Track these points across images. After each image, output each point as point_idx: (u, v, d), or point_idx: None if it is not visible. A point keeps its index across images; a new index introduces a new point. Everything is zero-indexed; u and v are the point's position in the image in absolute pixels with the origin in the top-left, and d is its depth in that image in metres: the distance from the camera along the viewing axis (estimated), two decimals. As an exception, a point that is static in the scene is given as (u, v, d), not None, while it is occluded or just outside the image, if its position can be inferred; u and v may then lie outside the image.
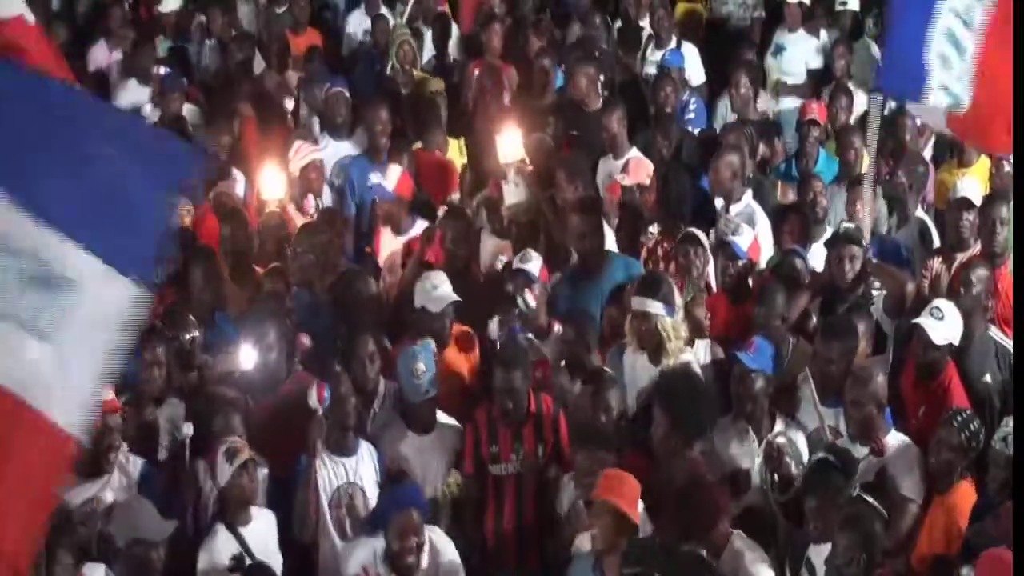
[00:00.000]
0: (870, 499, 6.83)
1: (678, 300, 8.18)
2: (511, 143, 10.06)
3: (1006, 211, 8.87)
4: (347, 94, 11.82)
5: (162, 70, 12.82)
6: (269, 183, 10.49)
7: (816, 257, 9.54)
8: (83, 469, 7.58)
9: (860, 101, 12.13)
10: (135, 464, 7.76)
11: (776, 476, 7.51)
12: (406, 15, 13.88)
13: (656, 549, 6.79)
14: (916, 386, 8.17)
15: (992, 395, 8.15)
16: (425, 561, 7.37)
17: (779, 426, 7.87)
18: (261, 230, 10.24)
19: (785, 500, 7.44)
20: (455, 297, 8.69)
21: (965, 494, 7.29)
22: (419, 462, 8.09)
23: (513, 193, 9.92)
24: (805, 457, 7.73)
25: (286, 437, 8.04)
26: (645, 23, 13.53)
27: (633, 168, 10.60)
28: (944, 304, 8.18)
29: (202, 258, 9.43)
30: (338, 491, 7.90)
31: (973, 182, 10.12)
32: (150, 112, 12.32)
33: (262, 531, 7.57)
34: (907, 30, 7.78)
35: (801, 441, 7.86)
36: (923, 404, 8.07)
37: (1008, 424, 7.17)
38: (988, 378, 8.22)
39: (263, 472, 7.73)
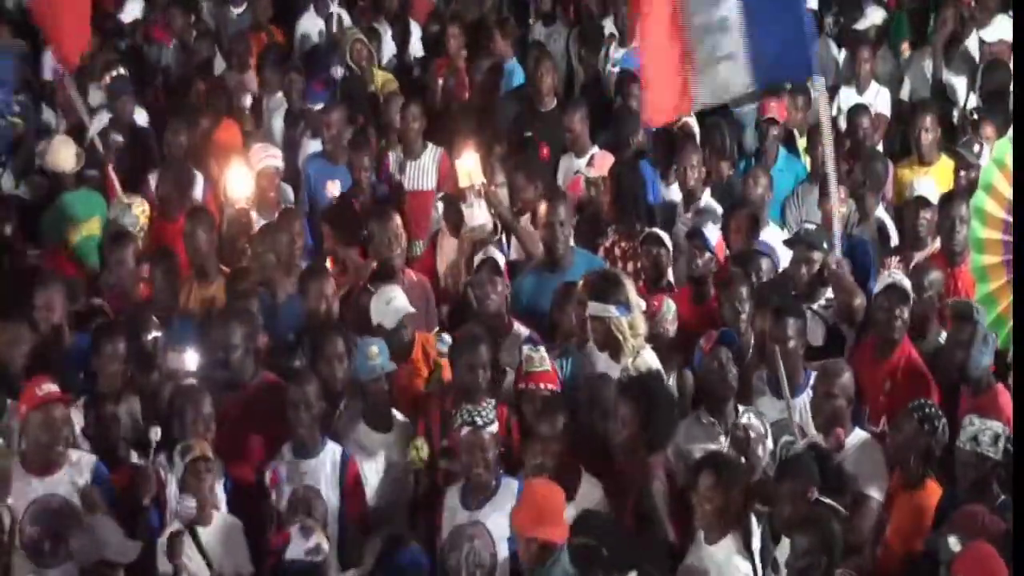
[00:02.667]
0: (828, 500, 6.87)
1: (634, 298, 8.18)
2: (468, 165, 10.05)
3: (965, 210, 8.92)
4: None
5: (120, 70, 12.73)
6: (235, 182, 10.42)
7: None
8: (33, 465, 7.59)
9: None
10: (87, 462, 7.71)
11: (743, 459, 7.55)
12: (345, 21, 13.85)
13: (609, 526, 6.84)
14: (876, 363, 8.29)
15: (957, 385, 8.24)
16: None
17: (743, 415, 7.91)
18: (227, 229, 10.20)
19: (752, 484, 7.44)
20: (409, 310, 8.62)
21: (934, 495, 7.33)
22: (380, 459, 8.09)
23: (473, 216, 9.92)
24: (770, 442, 7.81)
25: (248, 435, 8.07)
26: (608, 23, 13.54)
27: (598, 162, 10.64)
28: (897, 274, 8.47)
29: (162, 259, 9.43)
30: (295, 494, 7.87)
31: (930, 181, 10.18)
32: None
33: (222, 534, 7.51)
34: None
35: (762, 430, 7.91)
36: (887, 379, 8.20)
37: (974, 423, 7.20)
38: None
39: (219, 481, 7.68)
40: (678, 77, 8.77)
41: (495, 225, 9.91)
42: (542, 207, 9.52)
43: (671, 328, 8.55)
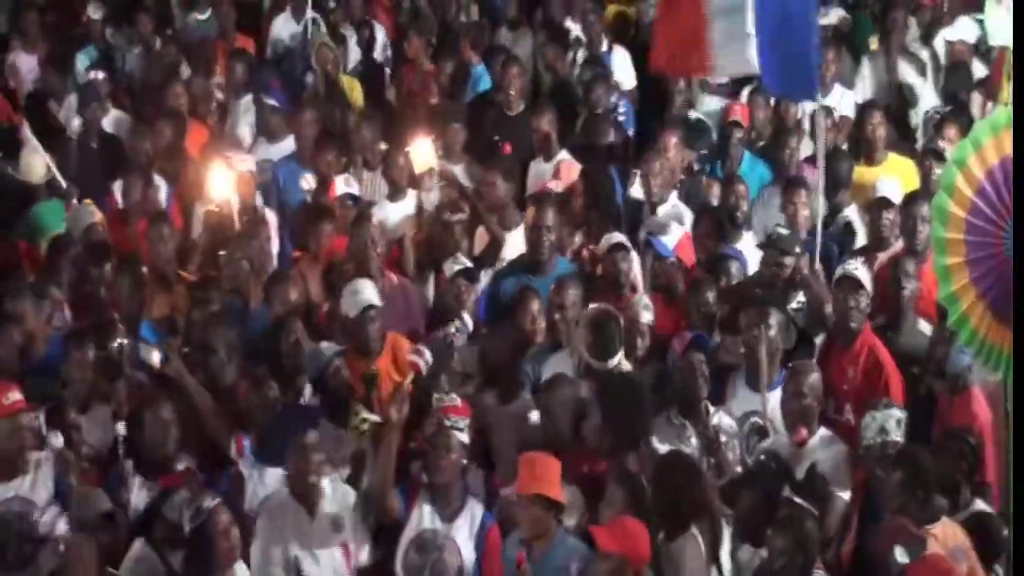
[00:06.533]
0: (799, 500, 6.93)
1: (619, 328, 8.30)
2: (423, 151, 10.12)
3: (927, 209, 8.99)
4: (275, 103, 11.89)
5: (97, 74, 12.72)
6: (217, 185, 10.39)
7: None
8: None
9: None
10: (47, 462, 7.74)
11: (713, 460, 7.67)
12: (320, 26, 13.86)
13: None
14: (839, 354, 8.46)
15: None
16: (328, 488, 7.50)
17: (714, 416, 8.01)
18: (205, 234, 10.20)
19: (722, 485, 7.54)
20: (373, 301, 8.70)
21: None
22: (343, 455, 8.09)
23: (431, 200, 9.94)
24: (738, 444, 7.91)
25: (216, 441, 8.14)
26: (574, 26, 13.58)
27: (564, 172, 10.71)
28: (850, 265, 8.64)
29: (127, 267, 9.47)
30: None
31: (893, 181, 10.24)
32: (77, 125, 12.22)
33: None
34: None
35: (734, 430, 8.02)
36: (850, 367, 8.36)
37: (876, 417, 7.40)
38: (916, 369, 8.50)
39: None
40: (698, 36, 9.19)
41: (457, 204, 10.01)
42: (530, 211, 9.64)
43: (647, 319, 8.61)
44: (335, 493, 7.55)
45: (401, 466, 7.87)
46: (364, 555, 7.57)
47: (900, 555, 6.47)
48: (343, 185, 10.78)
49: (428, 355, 8.28)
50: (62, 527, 7.52)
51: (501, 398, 8.36)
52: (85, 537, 7.30)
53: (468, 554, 7.49)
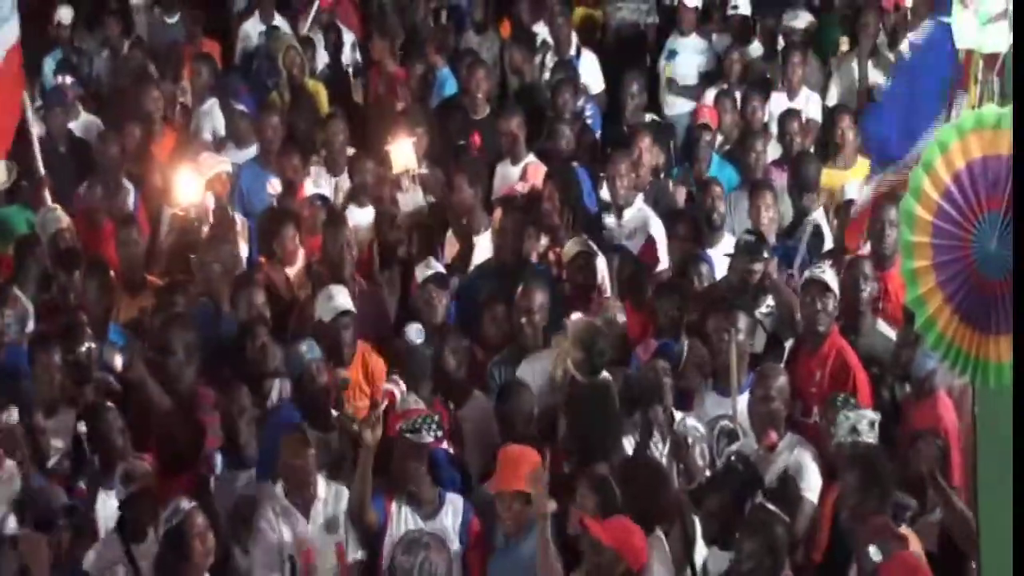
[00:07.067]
0: (771, 507, 6.96)
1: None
2: (403, 152, 10.10)
3: (895, 213, 9.03)
4: (244, 108, 11.86)
5: (65, 78, 12.68)
6: (184, 188, 10.37)
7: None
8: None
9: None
10: (15, 475, 7.74)
11: (683, 465, 7.68)
12: (307, 26, 13.88)
13: None
14: (808, 357, 8.49)
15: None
16: (322, 491, 7.53)
17: (680, 422, 7.98)
18: (174, 238, 10.16)
19: (691, 489, 7.56)
20: (347, 306, 8.70)
21: None
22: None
23: (409, 200, 9.95)
24: (706, 448, 7.91)
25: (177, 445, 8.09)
26: (542, 30, 13.60)
27: (531, 175, 10.74)
28: (817, 268, 8.67)
29: (95, 271, 9.44)
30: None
31: (862, 185, 10.27)
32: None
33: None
34: None
35: (700, 433, 8.00)
36: (818, 370, 8.39)
37: (848, 416, 7.45)
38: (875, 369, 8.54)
39: None
40: None
41: (430, 208, 9.99)
42: (496, 214, 9.62)
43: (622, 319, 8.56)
44: (330, 494, 7.59)
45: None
46: (360, 553, 7.59)
47: (874, 554, 6.51)
48: (312, 186, 10.76)
49: (403, 385, 8.26)
50: (12, 525, 7.46)
51: (455, 401, 8.37)
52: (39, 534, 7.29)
53: (455, 549, 7.53)
